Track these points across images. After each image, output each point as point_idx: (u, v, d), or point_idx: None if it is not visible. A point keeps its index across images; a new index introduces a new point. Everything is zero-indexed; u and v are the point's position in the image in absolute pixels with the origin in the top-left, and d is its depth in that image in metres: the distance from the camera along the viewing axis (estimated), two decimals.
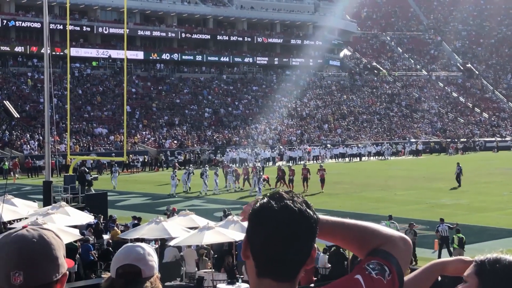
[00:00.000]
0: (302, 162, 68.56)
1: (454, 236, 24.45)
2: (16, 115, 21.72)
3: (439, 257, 24.56)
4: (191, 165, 56.95)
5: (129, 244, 3.23)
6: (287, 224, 2.11)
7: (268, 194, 2.22)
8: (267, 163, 64.54)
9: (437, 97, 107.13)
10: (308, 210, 2.16)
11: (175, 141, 71.70)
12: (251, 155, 68.14)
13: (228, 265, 21.47)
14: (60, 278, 2.36)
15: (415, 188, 45.67)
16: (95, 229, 25.77)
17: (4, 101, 23.32)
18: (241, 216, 2.45)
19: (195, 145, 71.53)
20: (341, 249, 20.22)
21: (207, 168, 49.52)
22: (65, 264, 2.38)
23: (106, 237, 25.64)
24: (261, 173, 45.46)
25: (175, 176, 44.53)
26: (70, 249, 21.65)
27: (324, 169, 46.60)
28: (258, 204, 2.18)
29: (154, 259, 3.15)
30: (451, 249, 24.56)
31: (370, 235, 2.35)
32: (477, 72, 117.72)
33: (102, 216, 28.17)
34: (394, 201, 39.19)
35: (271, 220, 2.12)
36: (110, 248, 23.44)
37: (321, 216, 2.30)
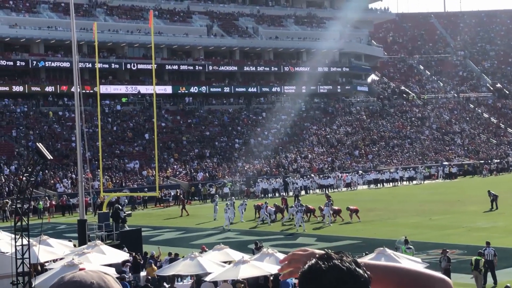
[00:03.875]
0: (336, 190, 68.43)
1: (478, 258, 23.80)
2: (49, 156, 21.96)
3: (485, 281, 24.13)
4: (233, 197, 56.81)
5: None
6: (337, 286, 2.11)
7: (317, 255, 2.23)
8: (299, 192, 64.30)
9: (468, 118, 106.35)
10: (357, 269, 2.15)
11: (207, 173, 71.87)
12: (282, 185, 68.17)
13: None
14: None
15: (450, 212, 45.21)
16: (133, 263, 25.86)
17: (37, 143, 23.59)
18: (280, 262, 2.45)
19: (226, 177, 71.64)
20: None
21: (236, 200, 49.64)
22: None
23: (142, 274, 25.70)
24: (299, 202, 44.74)
25: (229, 208, 44.13)
26: None
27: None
28: (307, 265, 2.18)
29: None
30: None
31: (410, 280, 2.35)
32: (507, 92, 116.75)
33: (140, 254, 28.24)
34: (430, 227, 38.82)
35: (320, 282, 2.12)
36: (149, 284, 23.49)
37: (362, 261, 2.29)
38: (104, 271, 2.23)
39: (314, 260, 2.17)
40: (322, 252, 2.24)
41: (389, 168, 79.35)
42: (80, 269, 2.22)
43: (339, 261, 2.14)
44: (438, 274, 2.38)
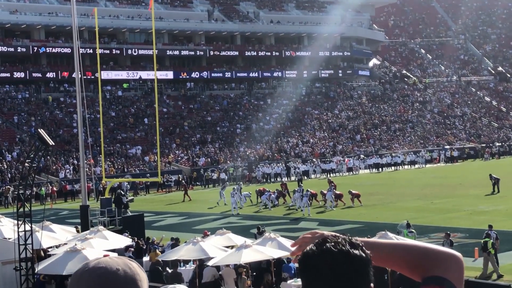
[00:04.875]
0: (337, 175, 68.49)
1: (486, 240, 23.81)
2: (51, 142, 21.93)
3: (497, 263, 24.05)
4: (240, 182, 56.98)
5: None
6: (330, 268, 2.09)
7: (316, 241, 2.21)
8: (302, 176, 64.34)
9: (469, 102, 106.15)
10: (352, 250, 2.13)
11: (209, 159, 71.89)
12: (284, 170, 68.29)
13: (267, 283, 21.42)
14: None
15: (452, 196, 45.22)
16: (135, 248, 25.92)
17: (39, 129, 23.57)
18: (292, 246, 2.42)
19: (228, 162, 71.67)
20: None
21: (241, 184, 49.72)
22: None
23: (145, 259, 25.76)
24: (301, 188, 44.75)
25: (236, 193, 44.02)
26: None
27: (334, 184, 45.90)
28: (302, 252, 2.17)
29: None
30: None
31: (421, 257, 2.33)
32: (508, 75, 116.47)
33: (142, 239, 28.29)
34: (432, 210, 38.84)
35: (313, 266, 2.11)
36: (160, 268, 23.42)
37: (368, 240, 2.27)
38: (129, 259, 2.20)
39: (310, 246, 2.16)
40: (332, 233, 2.22)
41: (390, 152, 79.31)
42: (105, 255, 2.22)
43: (332, 244, 2.13)
44: (449, 250, 2.36)
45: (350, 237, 2.18)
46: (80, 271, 2.10)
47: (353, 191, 43.77)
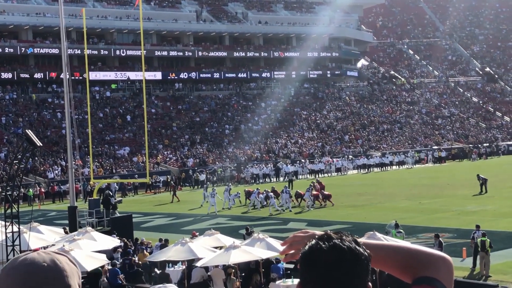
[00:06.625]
0: (326, 175, 68.63)
1: (483, 239, 23.90)
2: (39, 143, 21.86)
3: (474, 264, 24.26)
4: (229, 183, 56.95)
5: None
6: (338, 265, 2.10)
7: (317, 236, 2.21)
8: (293, 177, 64.22)
9: (457, 102, 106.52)
10: (358, 247, 2.15)
11: (197, 159, 71.83)
12: (273, 170, 68.34)
13: (256, 283, 21.42)
14: None
15: (440, 196, 45.36)
16: (124, 249, 25.89)
17: (26, 130, 23.49)
18: (282, 245, 2.42)
19: (217, 162, 71.63)
20: None
21: (230, 185, 49.71)
22: None
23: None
24: (288, 188, 45.15)
25: (216, 193, 44.16)
26: (95, 274, 21.74)
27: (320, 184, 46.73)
28: (307, 246, 2.17)
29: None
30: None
31: (411, 258, 2.36)
32: (496, 76, 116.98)
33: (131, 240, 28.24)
34: (420, 210, 38.94)
35: (321, 261, 2.11)
36: (140, 269, 23.49)
37: (359, 240, 2.28)
38: (57, 251, 2.16)
39: (314, 241, 2.16)
40: (323, 233, 2.23)
41: (378, 153, 79.45)
42: (34, 250, 2.16)
43: (339, 240, 2.14)
44: (438, 252, 2.40)
45: (352, 235, 2.21)
46: (7, 268, 2.07)
47: (325, 192, 44.60)
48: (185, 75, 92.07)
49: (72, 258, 2.18)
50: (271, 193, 44.36)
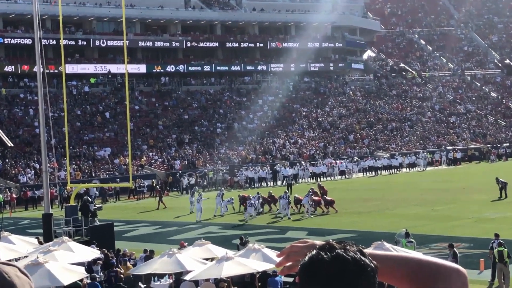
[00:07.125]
0: (329, 179, 68.74)
1: (501, 249, 23.89)
2: (10, 143, 21.87)
3: (493, 277, 24.25)
4: (222, 187, 57.10)
5: None
6: (341, 276, 2.11)
7: (318, 246, 2.22)
8: (292, 180, 64.28)
9: (474, 98, 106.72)
10: (363, 258, 2.16)
11: (186, 162, 71.85)
12: (270, 174, 68.35)
13: None
14: None
15: (455, 202, 45.42)
16: (104, 261, 25.87)
17: None
18: (278, 256, 2.44)
19: (207, 165, 71.65)
20: None
21: (223, 190, 49.80)
22: None
23: None
24: (288, 194, 45.21)
25: (201, 199, 44.39)
26: None
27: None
28: (307, 257, 2.18)
29: None
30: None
31: (422, 270, 2.37)
32: None
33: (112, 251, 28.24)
34: (433, 218, 39.00)
35: (322, 273, 2.12)
36: (122, 284, 23.50)
37: (365, 250, 2.29)
38: (5, 262, 2.14)
39: (315, 251, 2.17)
40: (324, 242, 2.24)
41: (386, 154, 79.56)
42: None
43: (342, 250, 2.15)
44: (452, 264, 2.40)
45: (357, 245, 2.22)
46: None
47: (327, 197, 44.67)
48: (172, 68, 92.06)
49: (22, 268, 2.15)
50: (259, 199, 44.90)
